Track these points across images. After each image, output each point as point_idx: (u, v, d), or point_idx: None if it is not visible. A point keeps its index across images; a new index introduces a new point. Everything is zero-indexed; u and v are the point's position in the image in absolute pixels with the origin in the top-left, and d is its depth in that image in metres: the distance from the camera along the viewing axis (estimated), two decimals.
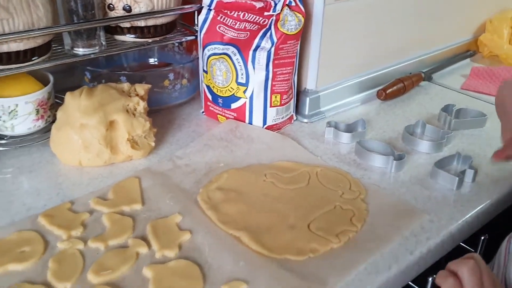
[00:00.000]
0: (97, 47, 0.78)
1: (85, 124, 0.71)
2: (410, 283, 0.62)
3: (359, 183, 0.72)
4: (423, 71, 1.07)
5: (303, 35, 0.84)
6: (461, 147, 0.82)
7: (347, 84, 0.96)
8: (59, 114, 0.74)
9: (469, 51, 1.24)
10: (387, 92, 0.97)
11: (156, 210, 0.65)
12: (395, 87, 0.99)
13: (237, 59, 0.80)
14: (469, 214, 0.67)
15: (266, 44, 0.78)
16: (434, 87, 1.07)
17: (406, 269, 0.58)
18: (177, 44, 0.99)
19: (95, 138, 0.71)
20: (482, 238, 0.71)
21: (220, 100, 0.85)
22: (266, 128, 0.85)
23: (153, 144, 0.77)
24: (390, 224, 0.63)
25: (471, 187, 0.72)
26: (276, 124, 0.86)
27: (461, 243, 0.70)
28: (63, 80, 0.83)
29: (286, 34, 0.77)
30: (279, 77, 0.81)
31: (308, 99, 0.90)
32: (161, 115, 0.89)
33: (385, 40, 1.00)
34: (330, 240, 0.60)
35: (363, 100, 0.99)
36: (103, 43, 0.79)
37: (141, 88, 0.78)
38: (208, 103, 0.88)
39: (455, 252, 0.68)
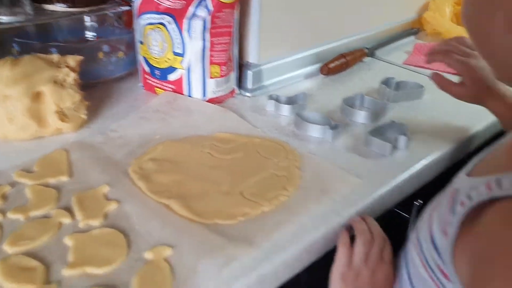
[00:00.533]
0: (22, 15, 0.74)
1: (8, 95, 0.68)
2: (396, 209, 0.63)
3: (296, 152, 0.71)
4: (367, 47, 1.08)
5: (243, 7, 0.83)
6: (398, 117, 0.83)
7: (290, 58, 0.96)
8: None
9: (413, 28, 1.26)
10: (330, 67, 0.98)
11: (84, 182, 0.62)
12: (337, 62, 0.99)
13: (172, 28, 0.78)
14: (400, 178, 0.68)
15: (201, 12, 0.76)
16: (377, 62, 1.08)
17: (334, 229, 0.58)
18: (115, 18, 0.95)
19: (19, 110, 0.68)
20: (416, 204, 0.72)
21: (157, 72, 0.83)
22: (206, 101, 0.83)
23: (84, 116, 0.74)
24: (322, 188, 0.63)
25: (404, 153, 0.73)
26: (217, 97, 0.84)
27: (395, 209, 0.72)
28: None
29: (221, 2, 0.76)
30: (217, 47, 0.79)
31: (250, 72, 0.89)
32: (98, 90, 0.86)
33: (330, 16, 1.00)
34: (261, 204, 0.59)
35: (307, 75, 0.99)
36: (30, 12, 0.76)
37: (72, 60, 0.75)
38: (146, 76, 0.86)
39: (390, 217, 0.69)
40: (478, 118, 0.82)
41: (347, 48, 1.05)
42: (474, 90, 0.72)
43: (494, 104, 0.71)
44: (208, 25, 0.76)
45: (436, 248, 0.46)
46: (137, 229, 0.55)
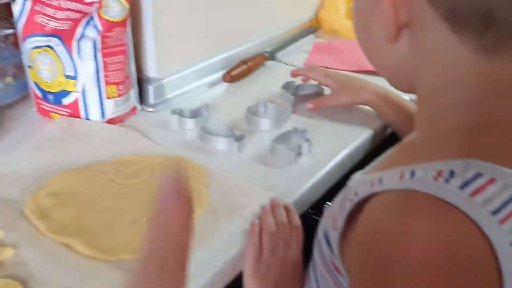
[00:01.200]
0: None
1: None
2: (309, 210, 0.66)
3: (203, 169, 0.71)
4: (267, 51, 1.09)
5: (135, 22, 0.81)
6: (301, 122, 0.85)
7: (192, 69, 0.95)
8: None
9: (311, 27, 1.29)
10: (232, 74, 0.98)
11: None
12: (239, 69, 1.00)
13: (61, 50, 0.74)
14: (306, 186, 0.70)
15: (90, 33, 0.73)
16: (278, 65, 1.10)
17: (245, 249, 0.59)
18: (3, 38, 0.89)
19: None
20: (325, 206, 0.74)
21: (50, 97, 0.78)
22: (106, 122, 0.80)
23: None
24: (229, 205, 0.64)
25: (308, 159, 0.76)
26: (117, 117, 0.81)
27: (308, 210, 0.73)
28: None
29: (110, 21, 0.73)
30: (111, 67, 0.76)
31: (151, 87, 0.87)
32: None
33: (226, 23, 1.00)
34: None
35: (210, 84, 0.98)
36: None
37: None
38: (39, 101, 0.81)
39: (302, 219, 0.70)
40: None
41: (249, 53, 1.06)
42: (343, 93, 0.85)
43: (367, 98, 0.83)
44: (99, 46, 0.73)
45: (329, 243, 0.48)
46: (36, 276, 0.52)
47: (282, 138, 0.77)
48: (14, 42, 0.90)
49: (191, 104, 0.89)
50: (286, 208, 0.64)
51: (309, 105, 0.87)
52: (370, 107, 0.85)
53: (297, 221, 0.63)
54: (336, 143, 0.80)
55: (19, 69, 0.84)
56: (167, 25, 0.85)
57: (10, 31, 0.81)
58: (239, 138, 0.76)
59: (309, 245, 0.63)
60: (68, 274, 0.52)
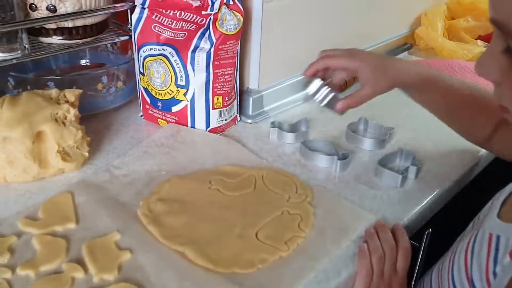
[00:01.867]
0: (19, 51, 0.72)
1: (8, 137, 0.65)
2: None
3: (305, 185, 0.70)
4: None
5: (242, 34, 0.81)
6: (403, 142, 0.83)
7: (289, 82, 0.95)
8: None
9: (406, 44, 1.26)
10: None
11: (92, 228, 0.60)
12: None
13: (175, 60, 0.76)
14: (413, 212, 0.68)
15: (205, 44, 0.74)
16: None
17: (355, 273, 0.57)
18: (111, 44, 0.93)
19: (21, 152, 0.65)
20: (426, 232, 0.71)
21: (159, 103, 0.81)
22: (209, 131, 0.82)
23: (86, 154, 0.72)
24: (337, 227, 0.62)
25: (414, 184, 0.73)
26: (220, 126, 0.83)
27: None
28: None
29: (225, 34, 0.74)
30: (220, 79, 0.78)
31: (251, 99, 0.88)
32: (96, 121, 0.84)
33: (325, 37, 0.99)
34: (278, 249, 0.58)
35: (306, 98, 0.97)
36: (26, 46, 0.73)
37: (71, 94, 0.73)
38: (147, 107, 0.83)
39: None
40: None
41: None
42: (380, 78, 0.68)
43: (411, 80, 0.69)
44: (212, 58, 0.75)
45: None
46: (152, 281, 0.53)
47: (388, 159, 0.75)
48: (121, 48, 0.95)
49: (287, 116, 0.89)
50: (395, 228, 0.62)
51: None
52: (411, 91, 0.73)
53: (405, 242, 0.60)
54: (441, 169, 0.76)
55: (127, 76, 0.88)
56: (272, 38, 0.86)
57: (124, 38, 0.84)
58: (343, 157, 0.74)
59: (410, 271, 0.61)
60: (184, 283, 0.52)
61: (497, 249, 0.43)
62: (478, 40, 1.24)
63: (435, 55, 1.23)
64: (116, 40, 0.84)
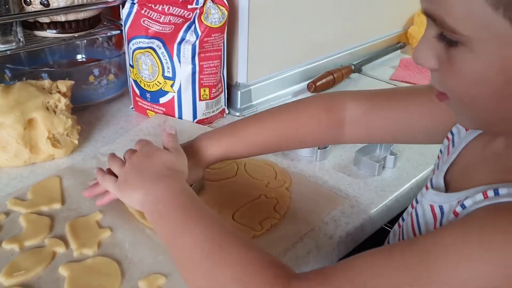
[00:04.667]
0: (13, 43, 0.75)
1: (1, 123, 0.69)
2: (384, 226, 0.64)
3: (285, 172, 0.73)
4: (354, 63, 1.10)
5: (230, 28, 0.84)
6: None
7: (278, 77, 0.98)
8: None
9: (399, 43, 1.28)
10: (317, 84, 0.99)
11: (77, 209, 0.63)
12: (324, 80, 1.01)
13: (162, 52, 0.79)
14: (389, 199, 0.70)
15: (190, 37, 0.77)
16: (364, 78, 1.10)
17: (326, 253, 0.60)
18: (105, 40, 0.97)
19: (12, 138, 0.69)
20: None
21: (148, 95, 0.84)
22: (196, 122, 0.84)
23: (76, 142, 0.75)
24: (311, 210, 0.65)
25: (392, 173, 0.75)
26: (207, 118, 0.85)
27: (385, 226, 0.73)
28: None
29: (210, 27, 0.77)
30: (206, 70, 0.81)
31: (239, 92, 0.91)
32: (88, 112, 0.87)
33: (315, 33, 1.02)
34: (252, 228, 0.60)
35: (295, 93, 1.00)
36: (21, 39, 0.77)
37: (63, 85, 0.76)
38: (137, 98, 0.87)
39: (379, 233, 0.70)
40: None
41: (334, 64, 1.07)
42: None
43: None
44: (197, 50, 0.78)
45: None
46: (130, 257, 0.56)
47: (366, 150, 0.77)
48: (116, 43, 0.98)
49: None
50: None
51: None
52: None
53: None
54: (421, 158, 0.78)
55: (119, 69, 0.91)
56: (259, 33, 0.88)
57: (116, 32, 0.87)
58: (323, 146, 0.77)
59: None
60: (159, 258, 0.55)
61: (442, 216, 0.45)
62: None
63: None
64: (108, 34, 0.88)
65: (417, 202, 0.53)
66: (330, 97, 0.67)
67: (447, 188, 0.49)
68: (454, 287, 0.36)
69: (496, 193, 0.39)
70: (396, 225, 0.59)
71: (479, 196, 0.40)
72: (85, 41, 0.96)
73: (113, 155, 0.61)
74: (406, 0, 1.27)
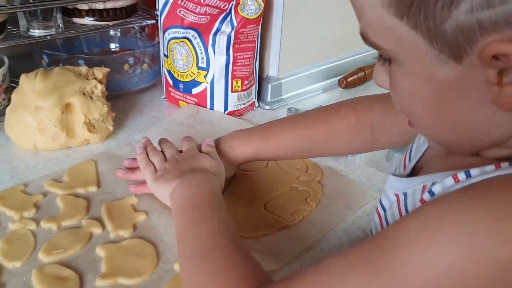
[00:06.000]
0: (53, 29, 0.77)
1: (40, 106, 0.70)
2: None
3: (317, 165, 0.73)
4: None
5: (264, 21, 0.85)
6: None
7: (309, 72, 0.98)
8: (14, 96, 0.72)
9: None
10: (348, 80, 0.99)
11: (112, 192, 0.64)
12: (356, 76, 1.00)
13: (197, 43, 0.80)
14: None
15: (226, 28, 0.78)
16: None
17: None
18: (139, 30, 0.98)
19: (50, 121, 0.70)
20: None
21: (181, 85, 0.85)
22: (227, 114, 0.85)
23: (111, 128, 0.76)
24: (343, 203, 0.65)
25: None
26: (238, 110, 0.86)
27: None
28: (20, 64, 0.81)
29: (246, 18, 0.78)
30: (240, 62, 0.81)
31: (270, 86, 0.91)
32: (121, 100, 0.88)
33: (347, 29, 1.01)
34: (284, 219, 0.61)
35: (325, 88, 1.00)
36: (60, 25, 0.78)
37: (99, 72, 0.77)
38: (170, 89, 0.88)
39: None
40: None
41: (362, 61, 1.07)
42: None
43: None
44: (232, 41, 0.78)
45: None
46: (165, 240, 0.56)
47: None
48: (149, 34, 0.99)
49: (305, 105, 0.92)
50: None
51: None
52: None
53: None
54: None
55: (152, 59, 0.92)
56: (292, 27, 0.88)
57: (151, 21, 0.89)
58: None
59: None
60: None
61: (407, 204, 0.42)
62: None
63: None
64: (144, 23, 0.89)
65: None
66: (358, 101, 0.66)
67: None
68: (420, 273, 0.33)
69: (468, 175, 0.36)
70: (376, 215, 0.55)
71: (450, 181, 0.37)
72: (118, 30, 0.97)
73: (162, 144, 0.64)
74: None
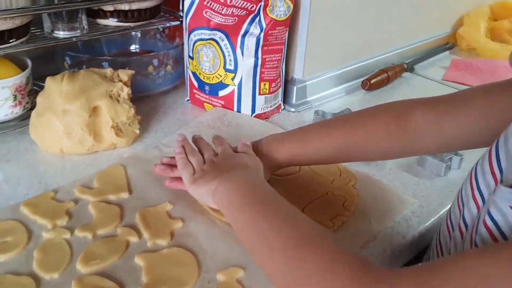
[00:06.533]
0: (78, 31, 0.75)
1: (67, 109, 0.68)
2: None
3: (348, 170, 0.71)
4: (405, 62, 1.08)
5: (290, 23, 0.83)
6: None
7: (332, 74, 0.96)
8: (40, 99, 0.71)
9: (448, 43, 1.25)
10: (372, 82, 0.98)
11: (145, 198, 0.62)
12: (379, 78, 0.99)
13: (225, 44, 0.78)
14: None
15: (255, 29, 0.76)
16: (415, 78, 1.08)
17: (400, 253, 0.58)
18: (159, 31, 0.97)
19: (78, 124, 0.69)
20: None
21: (206, 88, 0.83)
22: (254, 116, 0.83)
23: (137, 131, 0.75)
24: (381, 208, 0.63)
25: (458, 174, 0.73)
26: (265, 112, 0.84)
27: None
28: (42, 66, 0.79)
29: (275, 20, 0.76)
30: (268, 64, 0.80)
31: (295, 88, 0.89)
32: (144, 103, 0.87)
33: (369, 31, 1.00)
34: (324, 225, 0.59)
35: (348, 90, 0.99)
36: (85, 26, 0.76)
37: (125, 74, 0.76)
38: (194, 91, 0.86)
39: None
40: None
41: (383, 62, 1.05)
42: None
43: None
44: (261, 43, 0.77)
45: None
46: (204, 248, 0.55)
47: None
48: (169, 36, 0.98)
49: (329, 108, 0.90)
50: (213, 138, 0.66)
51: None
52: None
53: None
54: None
55: (175, 61, 0.91)
56: (318, 29, 0.87)
57: (176, 23, 0.87)
58: None
59: None
60: (235, 250, 0.54)
61: None
62: None
63: (477, 55, 1.23)
64: (167, 24, 0.87)
65: (483, 201, 0.48)
66: (396, 105, 0.64)
67: None
68: None
69: None
70: (457, 231, 0.55)
71: None
72: (139, 32, 0.96)
73: (199, 143, 0.64)
74: (454, 1, 1.25)
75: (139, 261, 0.52)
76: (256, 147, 0.64)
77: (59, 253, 0.53)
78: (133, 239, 0.56)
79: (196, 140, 0.65)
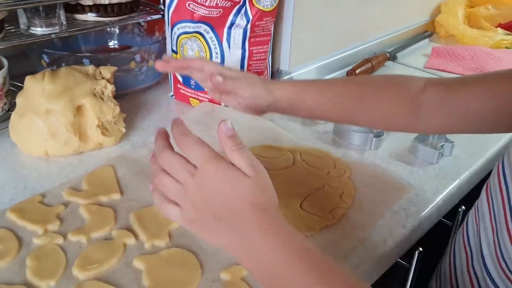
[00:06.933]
0: (57, 27, 0.72)
1: (51, 109, 0.65)
2: (398, 259, 0.61)
3: (342, 161, 0.71)
4: (388, 51, 1.08)
5: (276, 14, 0.82)
6: None
7: (316, 65, 0.96)
8: (20, 100, 0.67)
9: (426, 31, 1.26)
10: (356, 72, 0.97)
11: (137, 199, 0.60)
12: (363, 67, 0.99)
13: (210, 37, 0.76)
14: (452, 186, 0.68)
15: (241, 21, 0.75)
16: (398, 66, 1.09)
17: (401, 242, 0.58)
18: (138, 26, 0.94)
19: (63, 125, 0.66)
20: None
21: (192, 82, 0.81)
22: None
23: (123, 130, 0.72)
24: (377, 199, 0.63)
25: (449, 161, 0.73)
26: None
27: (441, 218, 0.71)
28: (17, 65, 0.76)
29: (262, 10, 0.75)
30: (256, 56, 0.78)
31: (282, 79, 0.88)
32: (126, 100, 0.84)
33: (350, 22, 1.00)
34: (323, 218, 0.58)
35: None
36: (64, 22, 0.73)
37: (107, 71, 0.73)
38: (179, 86, 0.84)
39: (437, 228, 0.68)
40: None
41: (365, 52, 1.05)
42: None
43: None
44: (248, 34, 0.75)
45: None
46: (204, 248, 0.53)
47: (421, 137, 0.75)
48: (148, 30, 0.95)
49: None
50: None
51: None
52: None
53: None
54: (475, 147, 0.77)
55: (157, 56, 0.88)
56: (302, 20, 0.86)
57: (157, 16, 0.84)
58: (378, 134, 0.75)
59: (437, 250, 0.61)
60: None
61: None
62: (498, 28, 1.24)
63: (456, 42, 1.24)
64: (148, 18, 0.85)
65: (508, 194, 0.49)
66: (410, 82, 0.61)
67: None
68: None
69: None
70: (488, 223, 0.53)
71: None
72: (117, 27, 0.92)
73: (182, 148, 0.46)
74: None
75: (138, 264, 0.50)
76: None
77: (53, 259, 0.50)
78: (130, 241, 0.53)
79: (179, 143, 0.48)
